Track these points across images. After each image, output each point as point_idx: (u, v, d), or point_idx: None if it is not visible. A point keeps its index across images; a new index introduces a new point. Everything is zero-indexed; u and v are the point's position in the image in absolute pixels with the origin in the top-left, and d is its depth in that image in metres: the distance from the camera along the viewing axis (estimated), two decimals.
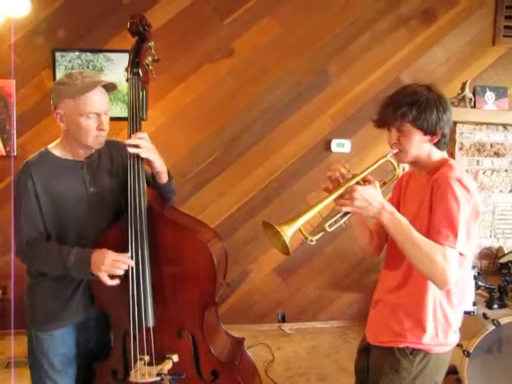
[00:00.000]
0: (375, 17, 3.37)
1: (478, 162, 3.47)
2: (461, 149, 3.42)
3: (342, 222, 1.38)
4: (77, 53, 3.15)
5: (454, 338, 1.50)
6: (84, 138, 1.54)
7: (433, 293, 1.42)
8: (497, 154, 3.48)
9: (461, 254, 1.30)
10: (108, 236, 1.59)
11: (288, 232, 1.26)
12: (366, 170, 1.41)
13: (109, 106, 1.58)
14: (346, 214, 1.37)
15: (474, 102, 3.35)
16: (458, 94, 3.32)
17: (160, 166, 1.60)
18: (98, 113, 1.52)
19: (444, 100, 1.43)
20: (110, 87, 1.58)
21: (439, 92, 1.44)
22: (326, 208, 1.35)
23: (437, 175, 1.39)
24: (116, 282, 1.48)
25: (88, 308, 1.65)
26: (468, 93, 3.31)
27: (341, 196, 1.34)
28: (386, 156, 1.45)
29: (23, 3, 2.79)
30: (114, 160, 1.70)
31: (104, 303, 1.63)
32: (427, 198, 1.39)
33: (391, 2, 3.37)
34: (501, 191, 3.51)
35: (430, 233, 1.31)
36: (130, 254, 1.51)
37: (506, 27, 3.45)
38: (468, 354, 2.25)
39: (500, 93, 3.41)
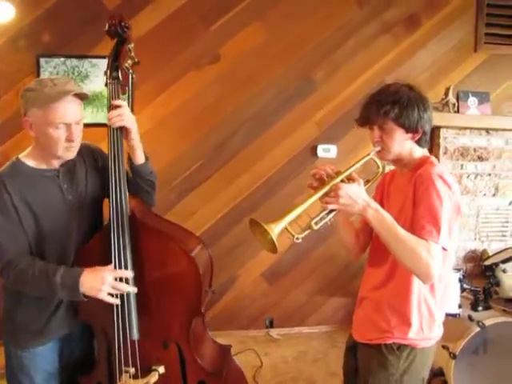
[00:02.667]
0: (360, 23, 3.41)
1: (461, 166, 3.51)
2: (445, 153, 3.46)
3: (327, 219, 1.40)
4: (62, 59, 3.12)
5: (438, 331, 1.54)
6: (54, 149, 1.46)
7: (417, 288, 1.45)
8: (480, 158, 3.53)
9: (444, 248, 1.34)
10: (89, 247, 1.55)
11: (275, 229, 1.26)
12: (349, 168, 1.43)
13: (82, 114, 1.49)
14: (332, 211, 1.39)
15: (458, 107, 3.40)
16: (442, 99, 3.37)
17: (137, 137, 1.57)
18: (67, 123, 1.43)
19: (424, 99, 1.47)
20: (82, 96, 1.49)
21: (420, 91, 1.48)
22: (313, 208, 1.36)
23: (419, 172, 1.42)
24: (118, 301, 1.45)
25: (72, 321, 1.59)
26: (451, 98, 3.36)
27: (326, 194, 1.36)
28: (369, 154, 1.48)
29: (6, 8, 2.77)
30: (87, 164, 1.64)
31: (88, 315, 1.58)
32: (410, 194, 1.41)
33: (376, 9, 3.41)
34: (484, 195, 3.56)
35: (413, 228, 1.34)
36: (112, 265, 1.46)
37: (487, 34, 3.51)
38: (454, 356, 2.27)
39: (482, 98, 3.47)
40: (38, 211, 1.48)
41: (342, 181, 1.39)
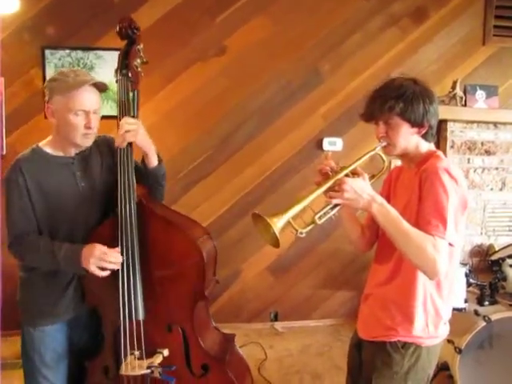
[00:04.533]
0: (367, 16, 3.38)
1: (468, 160, 3.49)
2: (452, 147, 3.43)
3: (331, 213, 1.38)
4: (67, 51, 3.11)
5: (444, 330, 1.52)
6: (72, 136, 1.56)
7: (422, 285, 1.43)
8: (487, 152, 3.50)
9: (450, 244, 1.32)
10: (99, 232, 1.61)
11: (278, 224, 1.25)
12: (354, 162, 1.42)
13: (99, 105, 1.60)
14: (336, 206, 1.37)
15: (465, 101, 3.38)
16: (449, 93, 3.34)
17: (146, 146, 1.63)
18: (86, 110, 1.54)
19: (430, 92, 1.45)
20: (101, 87, 1.60)
21: (425, 85, 1.46)
22: (317, 203, 1.34)
23: (425, 166, 1.40)
24: (106, 273, 1.51)
25: (79, 305, 1.67)
26: (459, 91, 3.33)
27: (330, 188, 1.34)
28: (374, 149, 1.46)
29: (12, 0, 2.75)
30: (103, 155, 1.72)
31: (95, 300, 1.64)
32: (416, 189, 1.40)
33: (382, 2, 3.38)
34: (491, 189, 3.54)
35: (419, 223, 1.32)
36: (119, 249, 1.53)
37: (496, 27, 3.47)
38: (460, 351, 2.26)
39: (490, 91, 3.44)
40: (49, 195, 1.57)
41: (347, 175, 1.37)
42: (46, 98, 1.57)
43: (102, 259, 1.49)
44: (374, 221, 1.41)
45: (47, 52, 3.09)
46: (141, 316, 1.57)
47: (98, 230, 1.62)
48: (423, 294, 1.44)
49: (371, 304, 1.58)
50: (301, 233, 1.33)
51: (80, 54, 3.13)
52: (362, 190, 1.31)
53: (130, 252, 1.55)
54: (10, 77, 3.05)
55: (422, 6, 3.42)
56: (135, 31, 1.68)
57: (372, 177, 1.47)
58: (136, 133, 1.57)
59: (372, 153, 1.46)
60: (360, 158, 1.44)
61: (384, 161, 1.51)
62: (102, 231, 1.61)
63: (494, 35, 3.48)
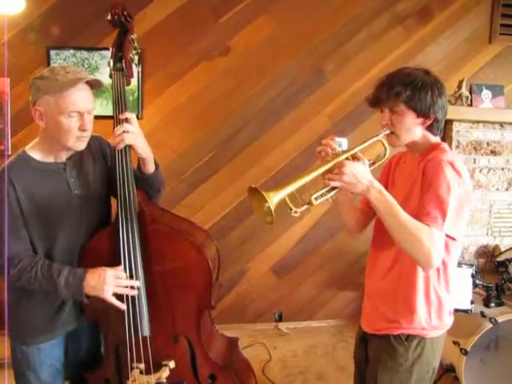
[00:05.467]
0: (372, 15, 3.36)
1: (474, 160, 3.46)
2: (457, 147, 3.41)
3: (328, 196, 1.36)
4: (72, 51, 3.12)
5: (448, 320, 1.51)
6: (64, 139, 1.42)
7: (424, 275, 1.41)
8: (493, 153, 3.47)
9: (452, 237, 1.31)
10: (97, 243, 1.52)
11: (274, 198, 1.23)
12: (356, 147, 1.39)
13: (93, 104, 1.46)
14: (334, 188, 1.35)
15: (471, 101, 3.35)
16: (455, 92, 3.32)
17: (145, 152, 1.51)
18: (80, 112, 1.40)
19: (440, 84, 1.43)
20: (95, 84, 1.46)
21: (437, 77, 1.45)
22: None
23: (429, 157, 1.39)
24: (124, 306, 1.42)
25: (78, 318, 1.57)
26: (464, 91, 3.31)
27: (330, 171, 1.32)
28: (377, 136, 1.44)
29: (17, 0, 2.76)
30: (95, 156, 1.60)
31: (96, 315, 1.56)
32: (419, 180, 1.39)
33: (388, 1, 3.36)
34: (497, 189, 3.51)
35: (418, 213, 1.31)
36: (122, 265, 1.44)
37: (503, 25, 3.43)
38: (466, 353, 2.25)
39: (496, 91, 3.41)
40: (42, 206, 1.44)
41: (347, 159, 1.34)
42: (32, 99, 1.41)
43: (119, 285, 1.39)
44: (369, 205, 1.39)
45: (52, 52, 3.09)
46: (147, 332, 1.49)
47: (94, 242, 1.51)
48: (425, 284, 1.43)
49: (373, 296, 1.58)
50: (295, 212, 1.30)
51: (85, 54, 3.13)
52: (361, 174, 1.29)
53: (132, 264, 1.45)
54: (16, 77, 3.06)
55: (428, 5, 3.39)
56: (128, 19, 1.54)
57: (372, 164, 1.45)
58: (136, 135, 1.46)
59: (375, 139, 1.44)
60: (363, 143, 1.42)
61: (386, 148, 1.48)
62: (100, 243, 1.51)
63: (501, 34, 3.43)
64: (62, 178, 1.49)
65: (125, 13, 1.53)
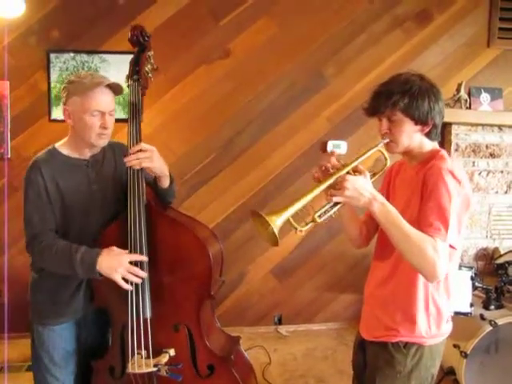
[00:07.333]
0: (371, 18, 3.37)
1: (473, 163, 3.47)
2: (456, 150, 3.42)
3: (331, 212, 1.36)
4: (71, 54, 3.12)
5: (447, 327, 1.50)
6: (88, 136, 1.60)
7: (423, 284, 1.41)
8: (492, 155, 3.48)
9: (452, 246, 1.30)
10: (108, 232, 1.65)
11: (277, 222, 1.23)
12: (356, 159, 1.38)
13: (114, 106, 1.65)
14: (336, 204, 1.35)
15: (470, 103, 3.36)
16: (454, 96, 3.33)
17: (161, 171, 1.66)
18: (102, 111, 1.58)
19: (436, 90, 1.42)
20: (117, 90, 1.65)
21: (432, 82, 1.44)
22: (318, 201, 1.33)
23: (429, 166, 1.38)
24: (130, 287, 1.54)
25: (88, 305, 1.71)
26: (463, 94, 3.32)
27: (331, 186, 1.32)
28: (376, 146, 1.43)
29: (17, 4, 2.77)
30: (117, 162, 1.77)
31: (104, 300, 1.68)
32: (418, 189, 1.38)
33: (387, 4, 3.38)
34: (496, 192, 3.52)
35: (420, 224, 1.30)
36: (129, 249, 1.57)
37: (501, 29, 3.46)
38: (465, 355, 2.25)
39: (495, 94, 3.42)
40: (65, 196, 1.62)
41: (348, 173, 1.34)
42: (64, 100, 1.61)
43: (130, 272, 1.53)
44: (372, 218, 1.39)
45: (52, 56, 3.10)
46: (148, 314, 1.59)
47: (106, 231, 1.65)
48: (424, 294, 1.42)
49: (372, 303, 1.57)
50: (300, 231, 1.31)
51: (85, 57, 3.13)
52: (363, 188, 1.29)
53: (138, 251, 1.58)
54: (15, 80, 3.07)
55: (427, 8, 3.41)
56: (146, 38, 1.73)
57: (373, 175, 1.44)
58: (151, 159, 1.59)
59: (374, 149, 1.43)
60: (362, 155, 1.41)
61: (386, 158, 1.48)
62: (111, 231, 1.65)
63: (499, 37, 3.46)
64: (84, 173, 1.68)
65: (143, 33, 1.71)
